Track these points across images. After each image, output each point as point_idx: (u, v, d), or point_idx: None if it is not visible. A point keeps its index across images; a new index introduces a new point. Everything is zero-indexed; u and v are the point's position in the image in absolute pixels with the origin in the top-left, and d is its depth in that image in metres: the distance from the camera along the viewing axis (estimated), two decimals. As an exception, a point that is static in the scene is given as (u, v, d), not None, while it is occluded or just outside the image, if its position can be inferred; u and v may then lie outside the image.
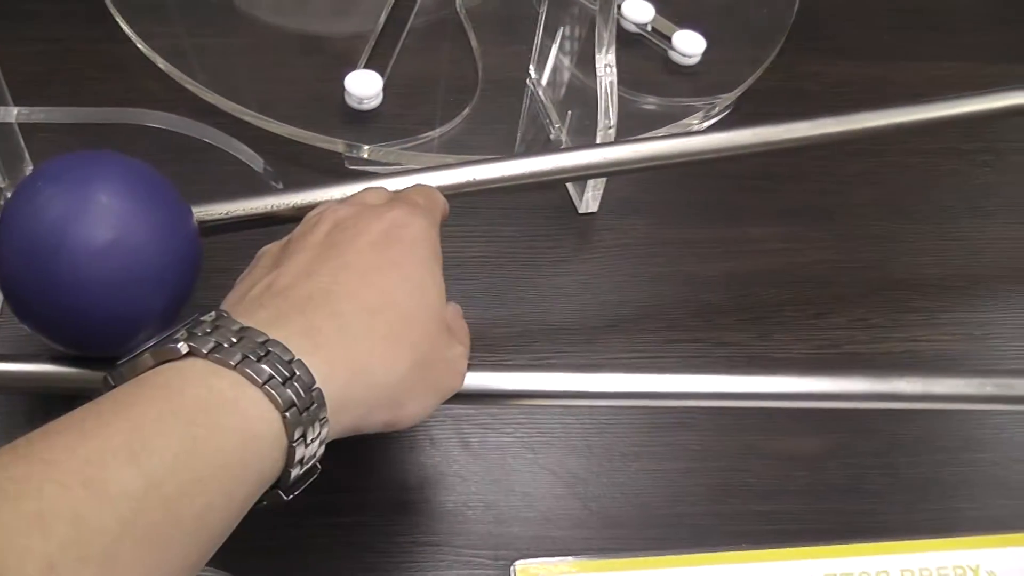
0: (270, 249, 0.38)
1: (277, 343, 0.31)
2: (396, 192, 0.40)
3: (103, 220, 0.37)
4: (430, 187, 0.41)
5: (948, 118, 0.50)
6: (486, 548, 0.43)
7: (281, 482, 0.31)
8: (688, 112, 0.58)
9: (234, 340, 0.30)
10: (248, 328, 0.31)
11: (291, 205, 0.42)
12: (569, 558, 0.42)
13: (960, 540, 0.44)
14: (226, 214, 0.43)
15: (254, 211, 0.43)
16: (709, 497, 0.45)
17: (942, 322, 0.52)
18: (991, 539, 0.44)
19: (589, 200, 0.53)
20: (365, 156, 0.53)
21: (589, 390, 0.40)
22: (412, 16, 0.61)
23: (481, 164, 0.44)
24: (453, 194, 0.43)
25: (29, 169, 0.51)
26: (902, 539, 0.44)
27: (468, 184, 0.44)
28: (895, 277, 0.54)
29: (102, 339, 0.38)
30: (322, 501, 0.42)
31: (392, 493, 0.44)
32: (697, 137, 0.48)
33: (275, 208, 0.42)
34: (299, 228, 0.38)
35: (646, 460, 0.46)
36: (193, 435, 0.28)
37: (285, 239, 0.38)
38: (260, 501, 0.31)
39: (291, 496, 0.32)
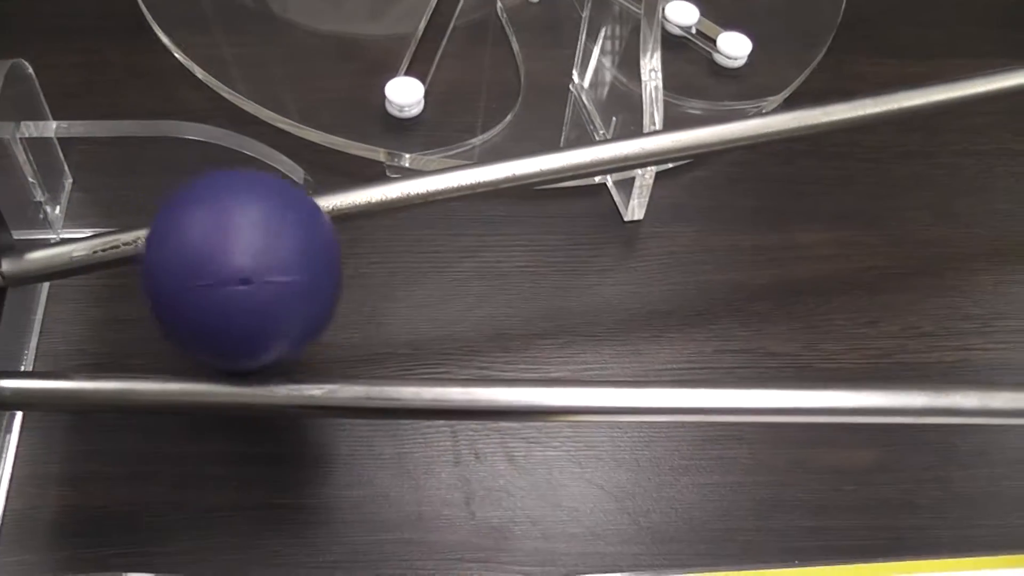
0: None
1: None
2: None
3: (260, 242, 0.35)
4: None
5: (995, 92, 0.49)
6: (533, 565, 0.42)
7: None
8: (734, 116, 0.57)
9: None
10: None
11: (329, 208, 0.42)
12: (618, 575, 0.42)
13: (1018, 558, 0.43)
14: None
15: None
16: (759, 512, 0.45)
17: (996, 330, 0.51)
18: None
19: (635, 207, 0.52)
20: (407, 165, 0.53)
21: (637, 406, 0.39)
22: (453, 20, 0.61)
23: (519, 160, 0.43)
24: (492, 191, 0.43)
25: (69, 183, 0.51)
26: (957, 556, 0.43)
27: (506, 180, 0.43)
28: (947, 283, 0.53)
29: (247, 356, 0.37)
30: (366, 517, 0.42)
31: (436, 508, 0.43)
32: (738, 123, 0.46)
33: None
34: None
35: (695, 474, 0.45)
36: None
37: None
38: None
39: None
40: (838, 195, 0.56)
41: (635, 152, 0.45)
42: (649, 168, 0.51)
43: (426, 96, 0.56)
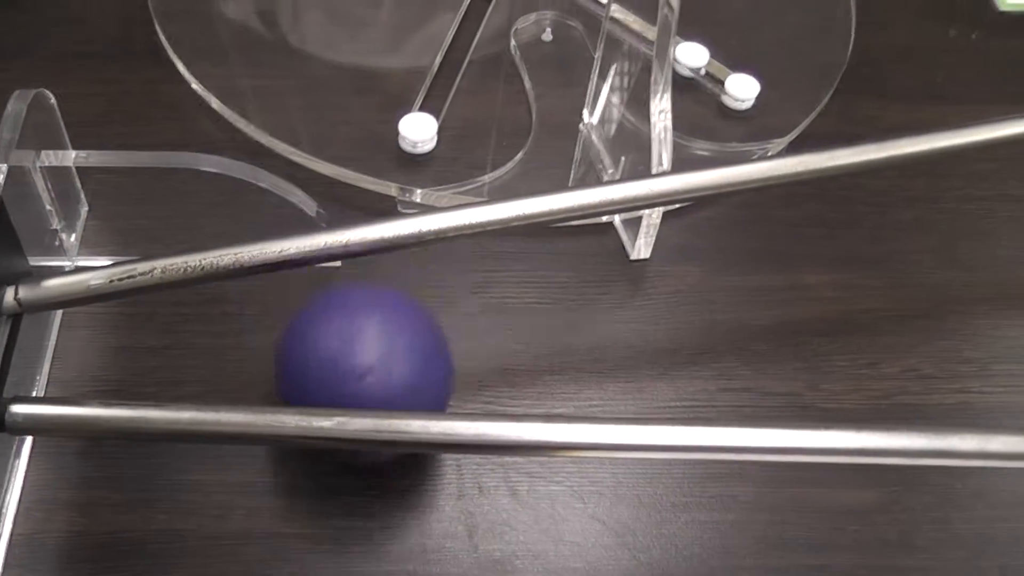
0: None
1: None
2: None
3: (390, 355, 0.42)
4: None
5: (998, 140, 0.50)
6: (534, 599, 0.43)
7: None
8: (742, 158, 0.58)
9: None
10: None
11: (343, 243, 0.43)
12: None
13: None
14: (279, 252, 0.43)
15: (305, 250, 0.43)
16: (760, 550, 0.45)
17: (994, 374, 0.52)
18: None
19: (641, 246, 0.53)
20: (418, 200, 0.54)
21: (639, 443, 0.40)
22: (468, 56, 0.61)
23: (529, 199, 0.44)
24: (501, 230, 0.44)
25: (85, 210, 0.52)
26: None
27: (515, 219, 0.44)
28: (948, 327, 0.54)
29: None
30: (367, 550, 0.43)
31: (439, 541, 0.44)
32: (744, 166, 0.47)
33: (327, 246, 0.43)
34: None
35: (695, 511, 0.46)
36: None
37: None
38: None
39: None
40: (842, 238, 0.57)
41: (643, 193, 0.45)
42: (656, 208, 0.51)
43: (439, 132, 0.56)
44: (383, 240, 0.43)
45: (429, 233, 0.43)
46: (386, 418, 0.39)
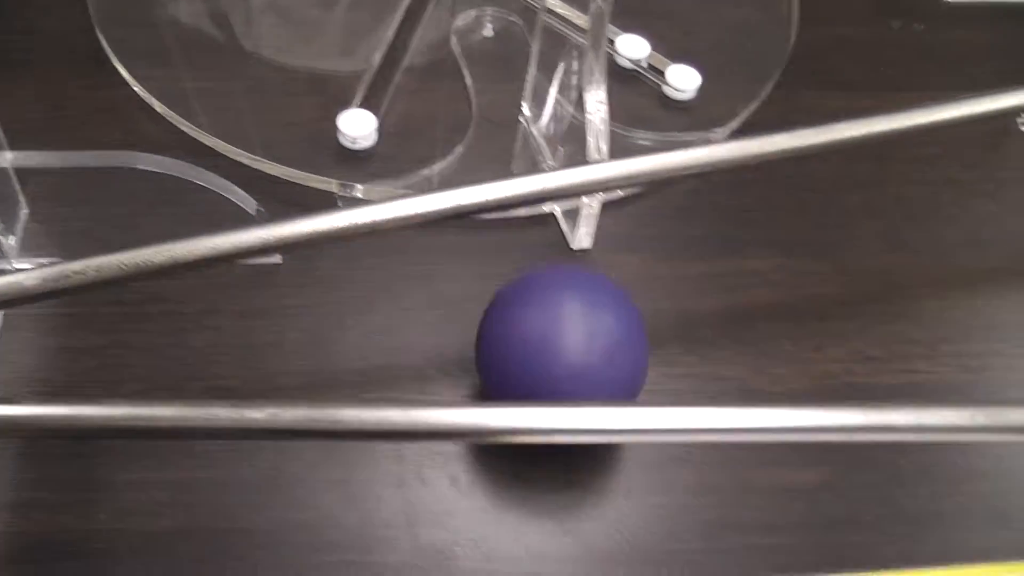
0: None
1: None
2: None
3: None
4: None
5: (937, 123, 0.51)
6: (476, 586, 0.43)
7: None
8: (681, 146, 0.58)
9: None
10: None
11: (278, 236, 0.42)
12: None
13: (959, 571, 0.44)
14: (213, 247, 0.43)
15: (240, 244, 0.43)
16: (705, 533, 0.45)
17: (941, 354, 0.52)
18: (989, 569, 0.44)
19: (582, 236, 0.53)
20: (359, 195, 0.54)
21: (578, 427, 0.40)
22: (408, 54, 0.62)
23: (465, 188, 0.44)
24: (439, 219, 0.43)
25: (25, 213, 0.52)
26: (901, 570, 0.44)
27: (452, 209, 0.44)
28: (894, 310, 0.54)
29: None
30: (309, 540, 0.43)
31: (378, 530, 0.44)
32: (680, 152, 0.47)
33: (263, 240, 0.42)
34: None
35: (640, 495, 0.46)
36: None
37: None
38: None
39: None
40: (788, 223, 0.57)
41: (579, 180, 0.45)
42: (596, 197, 0.51)
43: (380, 129, 0.56)
44: (318, 233, 0.43)
45: (364, 225, 0.43)
46: (319, 408, 0.39)
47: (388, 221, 0.44)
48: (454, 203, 0.44)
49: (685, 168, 0.47)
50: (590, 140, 0.51)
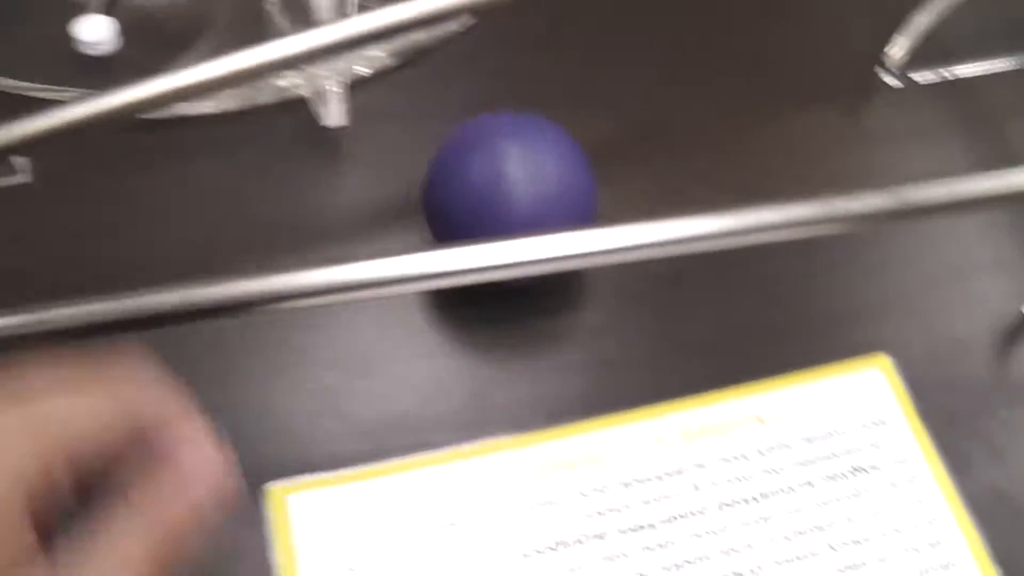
0: None
1: None
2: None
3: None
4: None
5: None
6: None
7: None
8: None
9: None
10: None
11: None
12: (321, 473, 0.41)
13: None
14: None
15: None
16: (470, 391, 0.45)
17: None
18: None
19: (333, 112, 0.51)
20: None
21: (349, 281, 0.37)
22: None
23: (189, 69, 0.44)
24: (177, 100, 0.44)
25: None
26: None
27: (177, 90, 0.44)
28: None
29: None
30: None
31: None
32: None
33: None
34: None
35: (400, 364, 0.45)
36: None
37: None
38: None
39: None
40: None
41: (315, 44, 0.44)
42: (337, 72, 0.50)
43: (123, 33, 0.54)
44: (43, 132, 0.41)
45: (102, 115, 0.42)
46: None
47: (118, 109, 0.43)
48: (177, 84, 0.44)
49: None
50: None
